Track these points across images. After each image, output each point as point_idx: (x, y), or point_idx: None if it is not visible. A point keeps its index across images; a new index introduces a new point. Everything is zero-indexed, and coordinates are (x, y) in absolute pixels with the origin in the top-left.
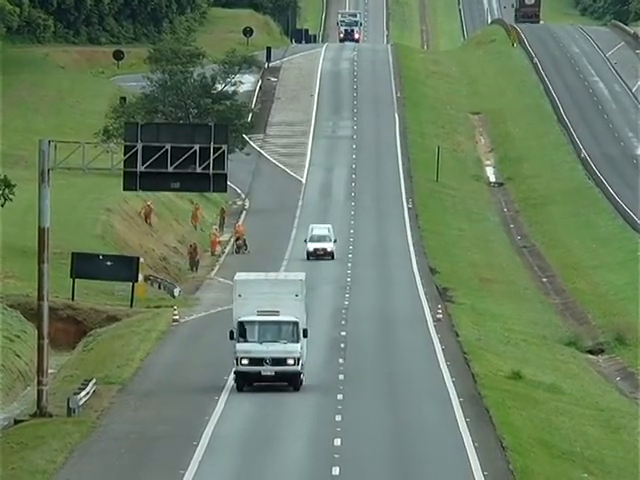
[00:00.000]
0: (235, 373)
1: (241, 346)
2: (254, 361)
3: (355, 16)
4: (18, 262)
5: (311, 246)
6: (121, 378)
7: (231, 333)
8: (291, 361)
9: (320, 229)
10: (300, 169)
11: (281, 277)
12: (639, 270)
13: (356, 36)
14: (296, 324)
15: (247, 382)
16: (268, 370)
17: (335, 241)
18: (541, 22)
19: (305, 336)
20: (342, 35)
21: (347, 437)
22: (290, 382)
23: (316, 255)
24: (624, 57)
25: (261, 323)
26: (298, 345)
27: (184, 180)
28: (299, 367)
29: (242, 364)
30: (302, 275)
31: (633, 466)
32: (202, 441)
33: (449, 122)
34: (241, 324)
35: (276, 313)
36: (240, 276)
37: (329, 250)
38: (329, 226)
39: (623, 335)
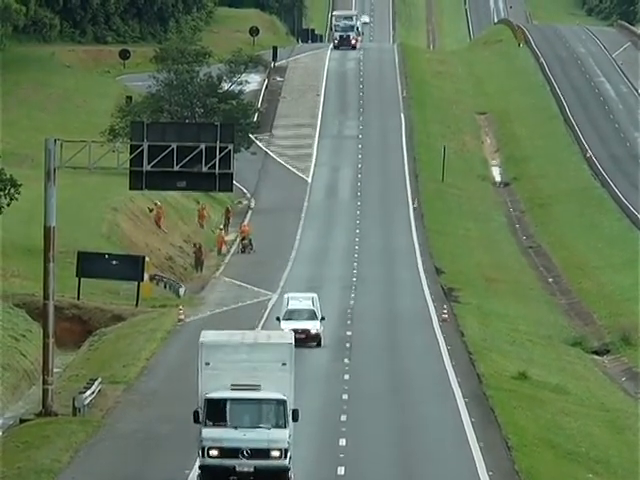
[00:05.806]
0: (200, 468)
1: (209, 432)
2: (227, 452)
3: (351, 19)
4: (24, 261)
5: (286, 326)
6: (126, 377)
7: (195, 414)
8: (276, 453)
9: (299, 301)
10: (306, 169)
11: (262, 339)
12: None
13: (352, 42)
14: (283, 403)
15: None
16: (245, 465)
17: (323, 319)
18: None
19: (295, 419)
20: (337, 41)
21: (351, 436)
22: None
23: (294, 339)
24: (630, 57)
25: (236, 401)
26: (286, 431)
27: (190, 179)
28: (287, 461)
29: (210, 456)
30: (290, 336)
31: (638, 466)
32: None
33: (455, 122)
34: (210, 402)
35: (256, 388)
36: (207, 337)
37: (313, 333)
38: (313, 296)
39: (629, 335)
